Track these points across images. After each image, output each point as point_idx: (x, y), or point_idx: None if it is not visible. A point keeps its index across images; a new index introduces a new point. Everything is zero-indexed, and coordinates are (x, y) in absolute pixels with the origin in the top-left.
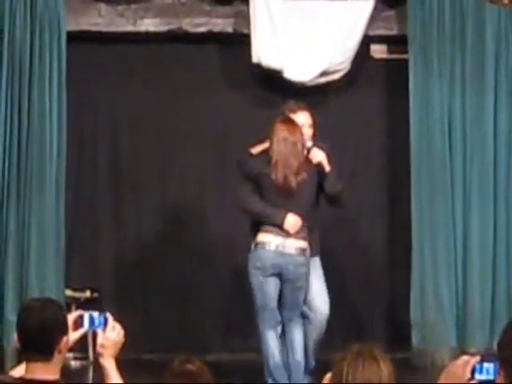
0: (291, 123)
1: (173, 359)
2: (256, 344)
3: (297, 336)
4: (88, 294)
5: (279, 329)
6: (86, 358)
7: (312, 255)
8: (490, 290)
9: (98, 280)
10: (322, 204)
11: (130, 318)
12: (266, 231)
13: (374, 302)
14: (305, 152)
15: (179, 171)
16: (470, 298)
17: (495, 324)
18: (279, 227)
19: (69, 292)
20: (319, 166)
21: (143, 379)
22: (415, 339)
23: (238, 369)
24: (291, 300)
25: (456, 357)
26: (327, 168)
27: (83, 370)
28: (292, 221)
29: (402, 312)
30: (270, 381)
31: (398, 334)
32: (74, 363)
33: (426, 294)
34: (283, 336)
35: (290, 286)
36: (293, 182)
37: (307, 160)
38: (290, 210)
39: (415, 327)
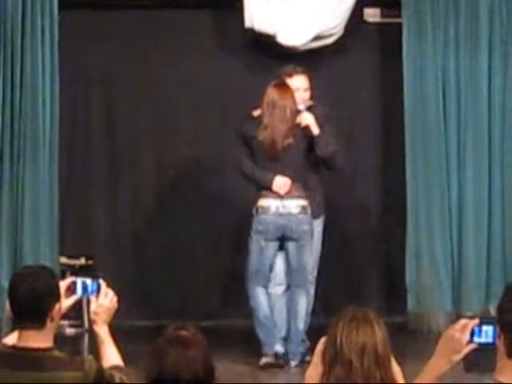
0: (283, 87)
1: (167, 326)
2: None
3: (301, 304)
4: (83, 261)
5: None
6: (81, 325)
7: (314, 217)
8: (485, 253)
9: (92, 247)
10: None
11: (125, 284)
12: (265, 196)
13: (369, 265)
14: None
15: (175, 137)
16: (465, 262)
17: (491, 288)
18: (271, 190)
19: (63, 259)
20: (307, 129)
21: (138, 345)
22: (411, 303)
23: (236, 335)
24: (297, 261)
25: (452, 321)
26: (315, 131)
27: (78, 338)
28: (280, 182)
29: (398, 276)
30: (260, 335)
31: (393, 298)
32: (68, 330)
33: (421, 259)
34: (288, 302)
35: (294, 245)
36: (279, 145)
37: (296, 124)
38: (279, 173)
39: (410, 291)
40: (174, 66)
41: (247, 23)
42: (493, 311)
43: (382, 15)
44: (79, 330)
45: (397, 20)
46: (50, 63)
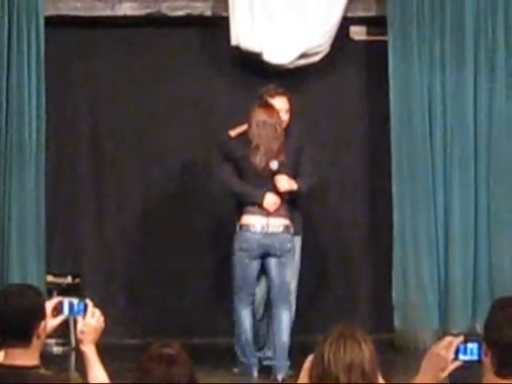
0: (269, 106)
1: (153, 343)
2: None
3: (284, 318)
4: (69, 279)
5: (253, 309)
6: (68, 343)
7: (294, 234)
8: (471, 271)
9: (79, 265)
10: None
11: (111, 302)
12: (249, 212)
13: (356, 283)
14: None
15: (160, 153)
16: (452, 280)
17: (477, 305)
18: (260, 206)
19: (50, 278)
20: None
21: (125, 364)
22: (397, 320)
23: (221, 352)
24: (278, 277)
25: (439, 338)
26: (295, 187)
27: (65, 356)
28: (271, 199)
29: (385, 293)
30: (241, 357)
31: (380, 316)
32: (56, 349)
33: (408, 276)
34: (270, 317)
35: (276, 261)
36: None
37: (285, 142)
38: (269, 190)
39: (397, 308)
40: (161, 84)
41: (233, 41)
42: (479, 329)
43: (368, 33)
44: (66, 348)
45: (383, 38)
46: (36, 81)
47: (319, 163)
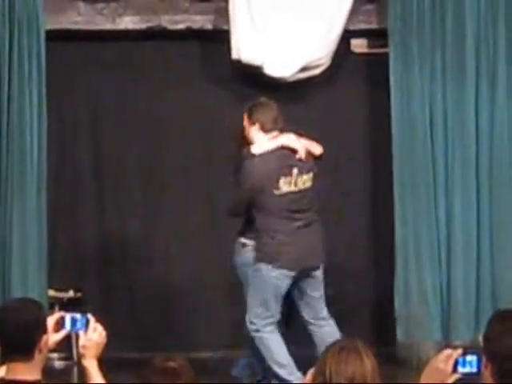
0: None
1: (155, 357)
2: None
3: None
4: (71, 293)
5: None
6: (70, 358)
7: None
8: (474, 282)
9: (81, 280)
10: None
11: (114, 317)
12: None
13: (358, 295)
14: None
15: (162, 168)
16: (455, 291)
17: (480, 316)
18: None
19: (52, 292)
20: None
21: (127, 378)
22: (400, 333)
23: (225, 366)
24: None
25: (440, 350)
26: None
27: (67, 370)
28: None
29: (387, 305)
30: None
31: (382, 328)
32: (58, 363)
33: (410, 288)
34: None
35: None
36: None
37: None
38: None
39: (399, 320)
40: (161, 98)
41: (234, 55)
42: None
43: (369, 46)
44: (68, 362)
45: (384, 50)
46: (38, 94)
47: (319, 175)
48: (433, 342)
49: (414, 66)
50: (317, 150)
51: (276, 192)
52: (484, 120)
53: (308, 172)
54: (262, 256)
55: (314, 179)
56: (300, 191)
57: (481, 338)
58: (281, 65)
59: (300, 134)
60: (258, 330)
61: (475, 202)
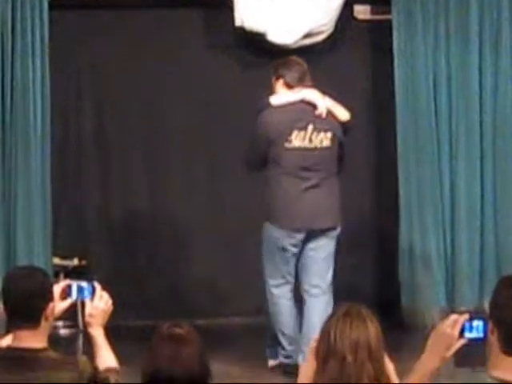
0: None
1: (162, 324)
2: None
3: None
4: (76, 261)
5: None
6: (76, 325)
7: None
8: (478, 248)
9: (86, 247)
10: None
11: (118, 284)
12: None
13: (362, 262)
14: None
15: (166, 135)
16: (459, 258)
17: (485, 282)
18: None
19: (57, 260)
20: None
21: (133, 346)
22: (404, 299)
23: (231, 333)
24: None
25: (445, 316)
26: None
27: (73, 338)
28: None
29: (391, 272)
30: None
31: (387, 294)
32: (63, 331)
33: (415, 255)
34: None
35: None
36: None
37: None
38: None
39: (404, 287)
40: (165, 66)
41: (237, 22)
42: (487, 306)
43: (372, 12)
44: (74, 330)
45: (387, 16)
46: (41, 64)
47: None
48: (437, 308)
49: (418, 32)
50: (342, 114)
51: (287, 145)
52: (488, 86)
53: (326, 131)
54: (266, 214)
55: (334, 140)
56: (315, 149)
57: (485, 304)
58: (284, 32)
59: (330, 95)
60: (270, 292)
61: (479, 168)
